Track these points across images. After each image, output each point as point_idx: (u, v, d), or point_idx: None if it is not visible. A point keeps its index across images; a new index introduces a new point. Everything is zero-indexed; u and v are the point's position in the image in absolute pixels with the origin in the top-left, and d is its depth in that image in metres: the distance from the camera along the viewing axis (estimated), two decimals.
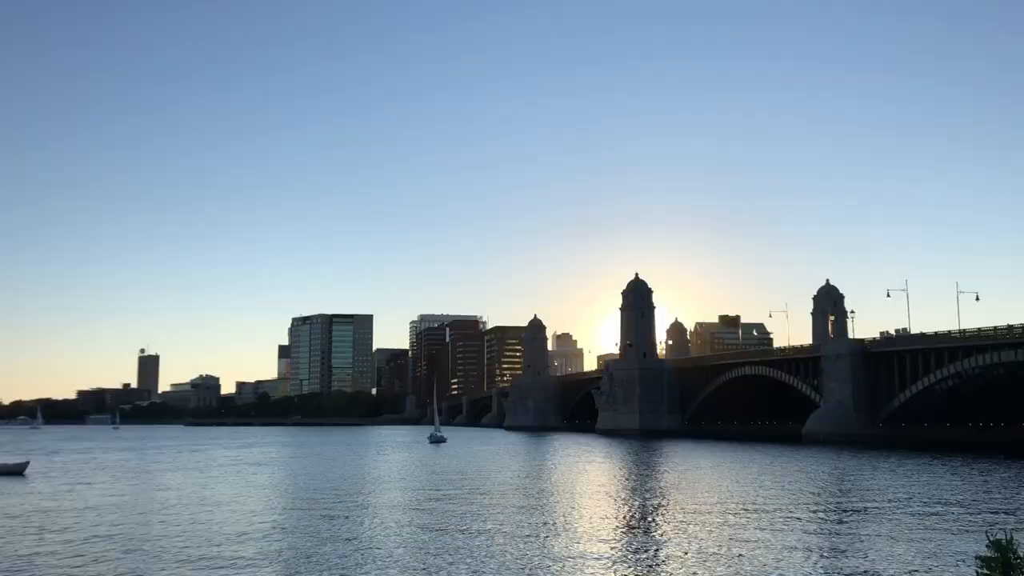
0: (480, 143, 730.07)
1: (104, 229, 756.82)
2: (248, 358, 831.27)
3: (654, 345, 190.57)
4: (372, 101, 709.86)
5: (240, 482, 61.07)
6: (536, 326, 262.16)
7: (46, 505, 45.49)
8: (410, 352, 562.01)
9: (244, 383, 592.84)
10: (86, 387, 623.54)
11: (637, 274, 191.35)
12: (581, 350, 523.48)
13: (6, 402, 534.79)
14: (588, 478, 63.29)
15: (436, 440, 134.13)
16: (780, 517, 37.88)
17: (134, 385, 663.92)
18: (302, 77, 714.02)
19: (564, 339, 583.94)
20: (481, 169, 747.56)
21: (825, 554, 28.42)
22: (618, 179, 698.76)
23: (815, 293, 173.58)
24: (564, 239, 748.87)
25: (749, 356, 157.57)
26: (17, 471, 68.96)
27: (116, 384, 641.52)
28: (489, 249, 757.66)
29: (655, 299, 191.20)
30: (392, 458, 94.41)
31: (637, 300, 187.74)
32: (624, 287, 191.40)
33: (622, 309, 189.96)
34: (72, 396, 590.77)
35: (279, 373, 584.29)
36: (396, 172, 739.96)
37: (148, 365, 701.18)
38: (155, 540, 31.59)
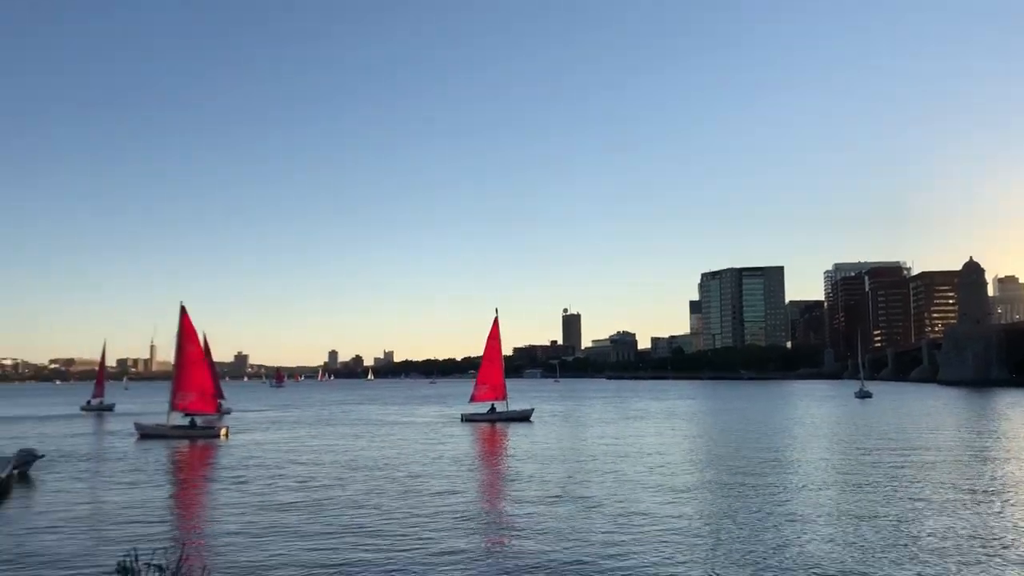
0: None
1: (538, 203, 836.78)
2: (660, 314, 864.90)
3: None
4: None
5: (675, 434, 66.36)
6: (972, 269, 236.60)
7: (547, 445, 55.37)
8: (825, 303, 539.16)
9: (658, 338, 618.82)
10: (520, 344, 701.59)
11: None
12: None
13: (443, 358, 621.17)
14: None
15: (862, 395, 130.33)
16: None
17: (559, 341, 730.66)
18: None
19: (1009, 282, 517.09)
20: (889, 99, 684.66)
21: None
22: None
23: None
24: (1003, 164, 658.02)
25: None
26: (525, 417, 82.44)
27: (544, 341, 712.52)
28: (910, 189, 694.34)
29: None
30: (819, 412, 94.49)
31: None
32: None
33: None
34: (509, 353, 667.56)
35: (691, 328, 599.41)
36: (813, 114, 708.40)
37: (571, 323, 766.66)
38: (613, 487, 37.38)
